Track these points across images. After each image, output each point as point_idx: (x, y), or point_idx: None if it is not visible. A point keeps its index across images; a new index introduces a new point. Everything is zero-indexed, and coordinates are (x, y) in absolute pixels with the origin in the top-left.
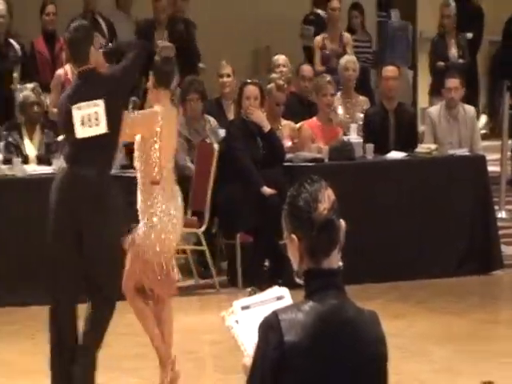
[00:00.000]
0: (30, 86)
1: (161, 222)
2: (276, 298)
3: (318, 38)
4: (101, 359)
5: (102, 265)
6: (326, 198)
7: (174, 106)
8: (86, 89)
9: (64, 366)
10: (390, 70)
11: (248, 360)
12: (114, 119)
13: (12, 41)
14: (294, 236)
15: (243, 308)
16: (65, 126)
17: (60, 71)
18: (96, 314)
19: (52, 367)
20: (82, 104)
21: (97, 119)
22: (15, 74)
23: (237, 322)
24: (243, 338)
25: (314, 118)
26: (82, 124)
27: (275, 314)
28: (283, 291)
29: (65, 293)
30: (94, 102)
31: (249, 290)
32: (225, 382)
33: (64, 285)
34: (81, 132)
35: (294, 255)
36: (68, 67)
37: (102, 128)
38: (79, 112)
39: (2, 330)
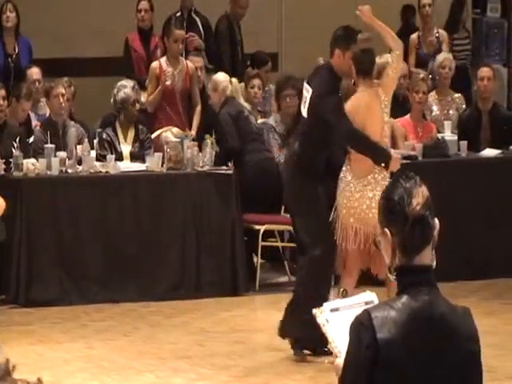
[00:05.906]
0: (130, 84)
1: None
2: (365, 303)
3: (414, 37)
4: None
5: None
6: (420, 194)
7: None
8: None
9: None
10: (484, 71)
11: (341, 361)
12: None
13: None
14: (387, 230)
15: (332, 310)
16: None
17: (155, 64)
18: None
19: None
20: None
21: (305, 102)
22: None
23: (327, 320)
24: (334, 336)
25: (407, 116)
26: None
27: (367, 312)
28: (372, 296)
29: None
30: (307, 87)
31: (341, 290)
32: (316, 379)
33: None
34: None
35: (386, 250)
36: (163, 60)
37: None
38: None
39: (94, 326)
